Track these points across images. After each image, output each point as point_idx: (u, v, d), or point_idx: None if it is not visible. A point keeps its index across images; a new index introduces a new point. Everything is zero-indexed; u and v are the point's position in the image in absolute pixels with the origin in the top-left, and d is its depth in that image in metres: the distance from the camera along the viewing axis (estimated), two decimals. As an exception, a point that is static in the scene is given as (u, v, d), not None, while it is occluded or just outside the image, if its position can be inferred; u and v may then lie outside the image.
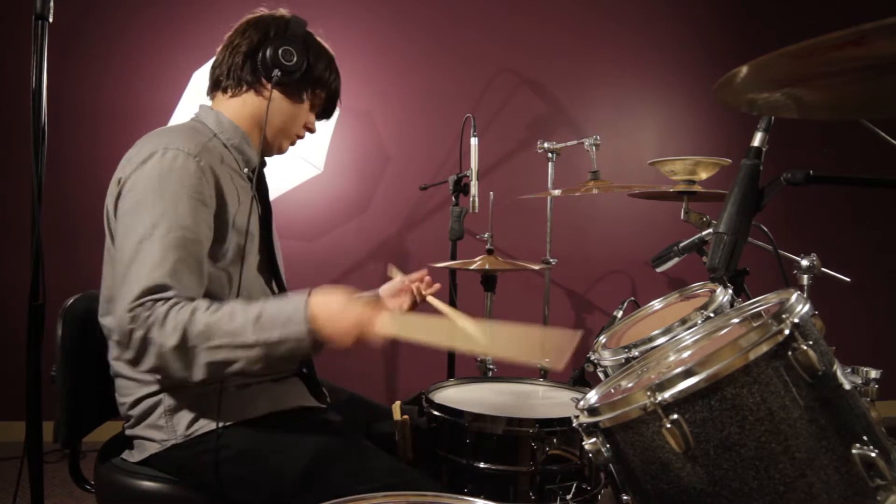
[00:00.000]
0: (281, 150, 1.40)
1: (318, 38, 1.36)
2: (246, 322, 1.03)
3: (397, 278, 1.55)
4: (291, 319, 1.04)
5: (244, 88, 1.31)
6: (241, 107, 1.31)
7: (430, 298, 1.52)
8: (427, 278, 1.54)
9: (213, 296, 1.17)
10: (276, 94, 1.31)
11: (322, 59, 1.34)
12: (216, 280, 1.18)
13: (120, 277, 1.07)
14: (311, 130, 1.43)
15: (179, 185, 1.11)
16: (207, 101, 1.37)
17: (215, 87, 1.34)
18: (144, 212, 1.09)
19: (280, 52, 1.27)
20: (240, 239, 1.21)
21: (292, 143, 1.41)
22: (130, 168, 1.14)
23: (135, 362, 1.04)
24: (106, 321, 1.17)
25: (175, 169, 1.12)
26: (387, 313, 1.07)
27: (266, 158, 1.41)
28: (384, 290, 1.56)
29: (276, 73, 1.27)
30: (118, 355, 1.19)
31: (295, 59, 1.28)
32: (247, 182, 1.31)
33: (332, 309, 1.05)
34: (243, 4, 1.38)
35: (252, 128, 1.33)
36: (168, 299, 1.04)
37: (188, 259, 1.09)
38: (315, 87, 1.35)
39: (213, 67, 1.34)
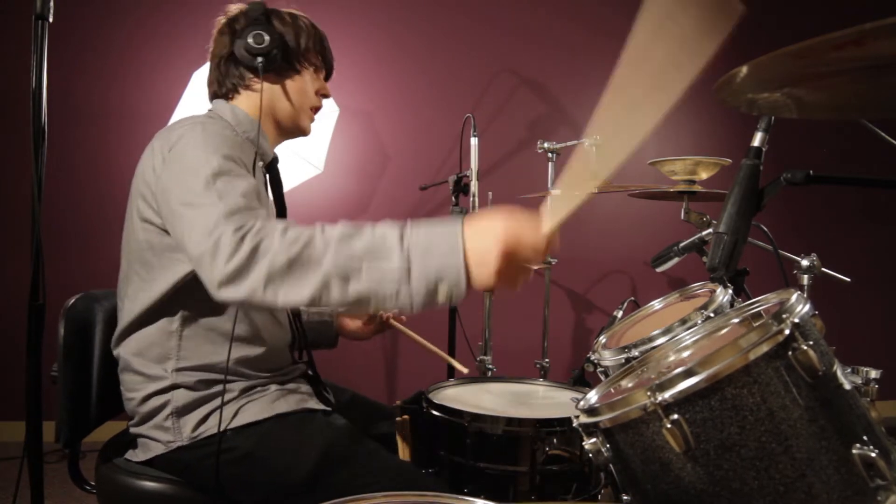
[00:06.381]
0: (304, 131, 1.38)
1: (280, 9, 1.32)
2: (389, 233, 0.86)
3: None
4: (444, 234, 0.85)
5: (239, 91, 1.30)
6: (246, 103, 1.30)
7: (395, 323, 1.58)
8: (401, 318, 1.60)
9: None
10: (271, 79, 1.29)
11: (291, 25, 1.30)
12: None
13: (190, 215, 0.97)
14: (327, 95, 1.39)
15: (223, 144, 1.09)
16: (207, 103, 1.36)
17: (214, 96, 1.33)
18: (204, 166, 1.02)
19: (251, 39, 1.23)
20: None
21: (311, 120, 1.38)
22: (167, 149, 1.10)
23: (234, 277, 0.87)
24: (193, 260, 0.97)
25: (215, 134, 1.11)
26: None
27: (279, 155, 1.41)
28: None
29: (259, 60, 1.24)
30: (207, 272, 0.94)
31: (267, 38, 1.24)
32: (262, 177, 1.31)
33: (488, 226, 0.84)
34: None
35: (265, 120, 1.31)
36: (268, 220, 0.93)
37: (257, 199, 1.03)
38: (303, 53, 1.32)
39: (207, 83, 1.33)
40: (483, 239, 0.83)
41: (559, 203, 0.85)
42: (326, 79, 1.41)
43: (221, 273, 0.88)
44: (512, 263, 0.81)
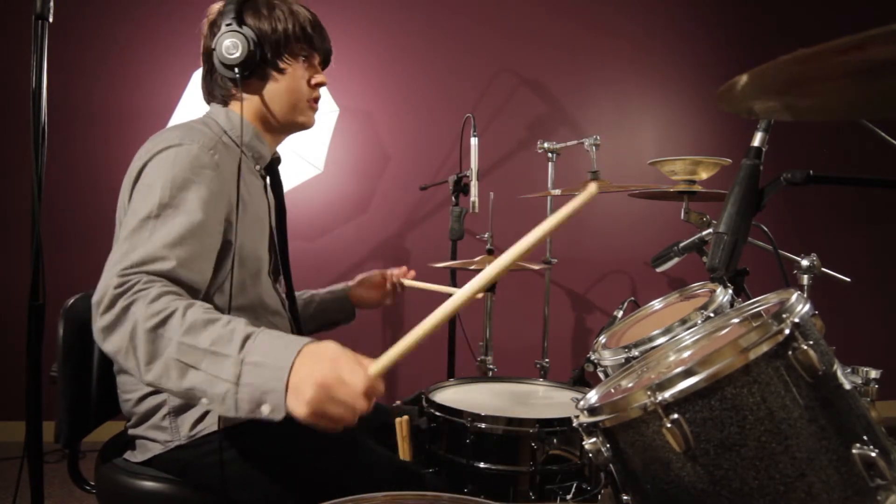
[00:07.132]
0: (305, 126, 1.32)
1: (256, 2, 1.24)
2: (236, 334, 0.89)
3: (376, 272, 1.63)
4: (281, 352, 0.87)
5: (229, 101, 1.28)
6: (240, 108, 1.28)
7: (407, 282, 1.60)
8: (410, 272, 1.62)
9: (221, 295, 1.17)
10: (255, 85, 1.25)
11: (267, 18, 1.22)
12: (224, 280, 1.17)
13: (118, 245, 1.01)
14: (322, 83, 1.31)
15: (192, 173, 1.08)
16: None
17: (210, 98, 1.32)
18: (155, 194, 1.04)
19: (224, 49, 1.18)
20: (252, 239, 1.20)
21: (312, 111, 1.32)
22: (146, 159, 1.10)
23: (105, 332, 0.92)
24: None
25: (190, 158, 1.09)
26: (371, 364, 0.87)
27: (281, 155, 1.40)
28: (359, 279, 1.63)
29: (235, 72, 1.19)
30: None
31: (240, 46, 1.18)
32: (259, 180, 1.30)
33: (323, 356, 0.86)
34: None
35: (260, 123, 1.29)
36: (169, 282, 0.96)
37: (196, 246, 1.05)
38: (286, 47, 1.23)
39: (201, 85, 1.32)
40: (305, 371, 0.85)
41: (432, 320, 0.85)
42: (325, 64, 1.35)
43: (98, 324, 0.93)
44: (327, 400, 0.84)
